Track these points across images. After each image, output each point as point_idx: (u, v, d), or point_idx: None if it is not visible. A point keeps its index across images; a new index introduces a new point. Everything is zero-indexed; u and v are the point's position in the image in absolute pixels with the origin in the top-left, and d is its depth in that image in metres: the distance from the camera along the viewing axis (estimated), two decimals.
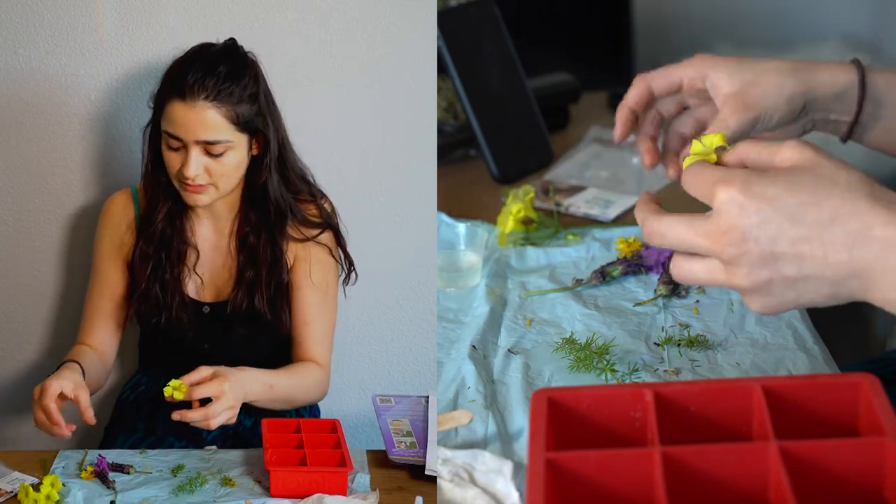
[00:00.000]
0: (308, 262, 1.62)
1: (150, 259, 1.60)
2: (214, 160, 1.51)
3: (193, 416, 1.41)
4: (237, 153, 1.53)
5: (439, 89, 1.84)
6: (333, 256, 1.64)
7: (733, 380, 1.04)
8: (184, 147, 1.51)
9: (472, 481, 1.08)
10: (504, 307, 1.44)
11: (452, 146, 1.86)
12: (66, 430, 1.39)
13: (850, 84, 1.25)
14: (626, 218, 1.66)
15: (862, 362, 1.39)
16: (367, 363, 1.79)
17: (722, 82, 1.25)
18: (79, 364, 1.50)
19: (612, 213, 1.67)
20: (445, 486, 1.07)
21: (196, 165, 1.51)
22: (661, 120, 1.37)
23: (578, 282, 1.47)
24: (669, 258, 1.46)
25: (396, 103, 1.73)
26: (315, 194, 1.63)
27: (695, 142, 1.07)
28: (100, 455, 1.38)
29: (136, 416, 1.62)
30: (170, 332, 1.61)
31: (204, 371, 1.45)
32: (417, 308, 1.82)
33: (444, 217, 1.64)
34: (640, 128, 1.37)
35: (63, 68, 1.67)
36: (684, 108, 1.36)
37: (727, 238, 0.95)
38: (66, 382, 1.41)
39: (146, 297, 1.60)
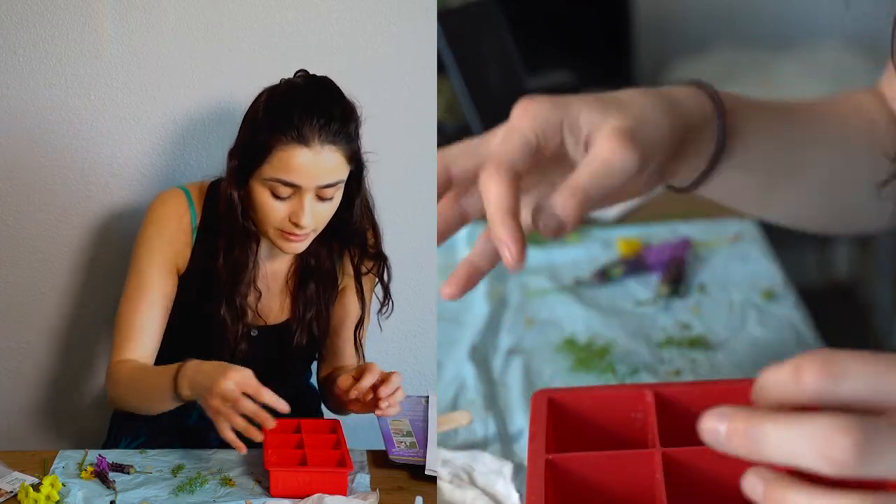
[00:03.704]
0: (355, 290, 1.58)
1: (209, 283, 1.49)
2: (323, 203, 1.42)
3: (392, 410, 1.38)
4: (341, 191, 1.44)
5: (439, 89, 1.83)
6: (372, 284, 1.59)
7: (734, 380, 1.04)
8: (295, 194, 1.40)
9: (472, 482, 1.08)
10: (504, 307, 1.44)
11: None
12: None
13: (711, 116, 0.96)
14: (626, 218, 1.66)
15: None
16: None
17: (592, 118, 0.88)
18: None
19: (613, 212, 1.66)
20: (445, 487, 1.07)
21: (310, 213, 1.41)
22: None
23: (579, 282, 1.47)
24: (670, 258, 1.46)
25: (396, 103, 1.73)
26: (375, 221, 1.56)
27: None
28: (100, 455, 1.38)
29: (140, 419, 1.61)
30: (210, 355, 1.47)
31: (375, 371, 1.40)
32: (417, 308, 1.82)
33: None
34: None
35: (63, 68, 1.67)
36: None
37: None
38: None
39: (199, 319, 1.50)
